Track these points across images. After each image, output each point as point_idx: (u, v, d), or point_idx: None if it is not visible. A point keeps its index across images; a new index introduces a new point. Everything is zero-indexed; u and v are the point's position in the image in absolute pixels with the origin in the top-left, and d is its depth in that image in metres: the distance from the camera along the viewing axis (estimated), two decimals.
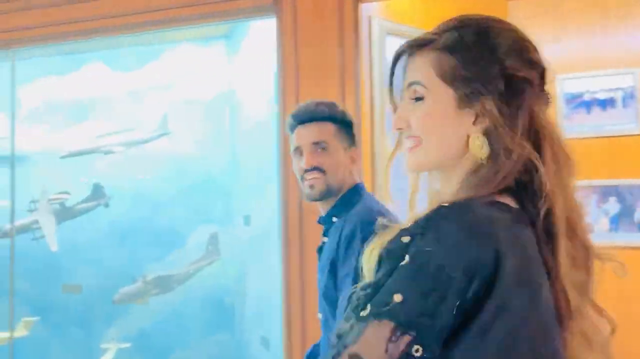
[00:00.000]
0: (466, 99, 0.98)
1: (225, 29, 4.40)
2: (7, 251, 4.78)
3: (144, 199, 4.59)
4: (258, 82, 3.95)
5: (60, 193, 4.58)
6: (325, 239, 1.77)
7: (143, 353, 4.42)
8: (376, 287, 0.88)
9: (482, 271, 0.86)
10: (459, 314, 0.85)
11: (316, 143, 1.74)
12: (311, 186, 1.73)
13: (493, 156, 0.97)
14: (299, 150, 1.76)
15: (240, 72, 4.26)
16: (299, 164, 1.76)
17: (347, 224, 1.65)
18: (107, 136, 4.57)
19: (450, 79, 0.99)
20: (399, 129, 1.04)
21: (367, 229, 1.57)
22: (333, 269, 1.65)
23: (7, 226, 4.30)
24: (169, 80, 4.59)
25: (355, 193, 1.76)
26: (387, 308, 0.85)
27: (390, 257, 0.90)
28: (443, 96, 0.99)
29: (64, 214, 4.51)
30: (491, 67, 0.98)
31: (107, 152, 4.54)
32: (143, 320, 4.56)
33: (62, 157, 4.50)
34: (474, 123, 0.99)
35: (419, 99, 1.01)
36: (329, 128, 1.75)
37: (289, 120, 1.81)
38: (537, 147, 0.98)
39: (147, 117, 4.59)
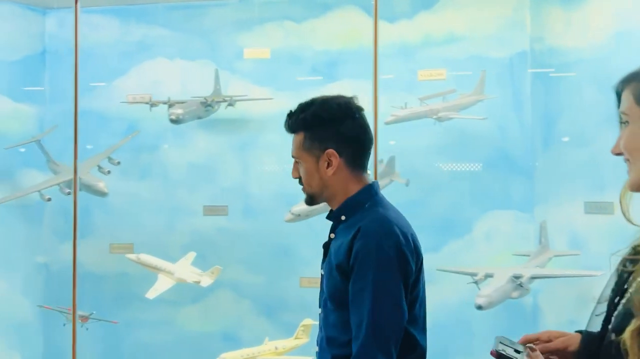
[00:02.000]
0: None
1: None
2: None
3: (415, 178, 3.80)
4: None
5: None
6: (332, 236, 1.78)
7: None
8: None
9: None
10: None
11: (293, 157, 1.81)
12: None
13: None
14: None
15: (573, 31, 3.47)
16: None
17: (361, 236, 1.65)
18: (433, 99, 3.74)
19: None
20: (616, 153, 1.15)
21: (384, 244, 1.63)
22: (342, 274, 1.68)
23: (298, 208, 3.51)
24: (447, 33, 3.78)
25: (364, 196, 1.76)
26: None
27: None
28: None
29: None
30: None
31: (441, 119, 3.71)
32: None
33: (387, 122, 3.63)
34: None
35: (624, 123, 1.13)
36: (299, 139, 1.77)
37: None
38: None
39: (423, 77, 3.76)
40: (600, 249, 3.46)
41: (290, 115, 1.79)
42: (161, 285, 3.67)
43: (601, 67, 3.32)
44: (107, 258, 4.13)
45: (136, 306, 4.06)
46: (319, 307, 1.82)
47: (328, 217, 1.82)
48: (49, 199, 3.89)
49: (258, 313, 4.00)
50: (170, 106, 3.86)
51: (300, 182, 1.79)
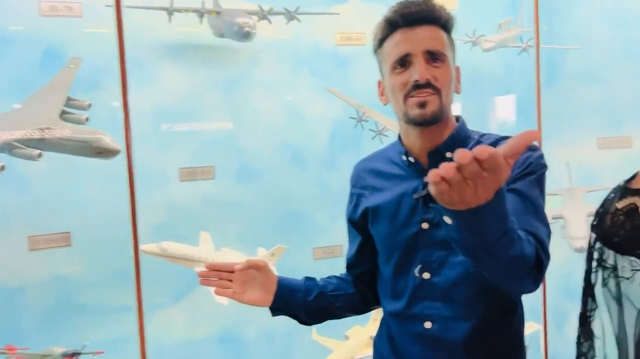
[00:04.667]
0: None
1: None
2: None
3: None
4: None
5: None
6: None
7: None
8: None
9: None
10: None
11: (431, 53, 1.36)
12: (422, 104, 1.36)
13: None
14: (404, 59, 1.37)
15: None
16: (403, 77, 1.37)
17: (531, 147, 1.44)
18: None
19: None
20: None
21: None
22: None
23: None
24: None
25: (466, 128, 1.46)
26: None
27: None
28: None
29: None
30: None
31: (526, 49, 3.11)
32: None
33: (486, 49, 2.88)
34: None
35: None
36: (443, 36, 1.39)
37: (388, 18, 1.40)
38: None
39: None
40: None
41: (433, 4, 1.35)
42: None
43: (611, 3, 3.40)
44: (26, 259, 2.68)
45: (85, 323, 2.76)
46: (428, 258, 1.37)
47: (427, 156, 1.38)
48: (3, 168, 2.27)
49: None
50: (217, 14, 2.58)
51: (429, 87, 1.32)
